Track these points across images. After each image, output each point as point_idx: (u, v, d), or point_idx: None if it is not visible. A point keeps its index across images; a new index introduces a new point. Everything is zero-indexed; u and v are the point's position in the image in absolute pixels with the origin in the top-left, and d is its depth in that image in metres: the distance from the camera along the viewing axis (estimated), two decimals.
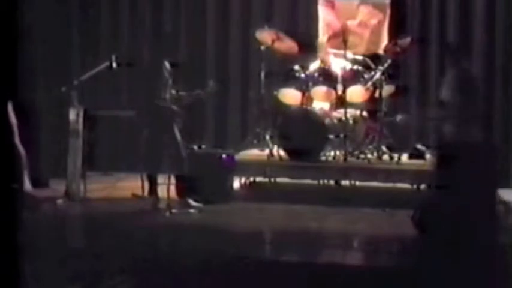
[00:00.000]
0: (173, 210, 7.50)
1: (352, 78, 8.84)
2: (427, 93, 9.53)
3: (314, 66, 8.99)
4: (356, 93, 8.81)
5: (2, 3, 3.53)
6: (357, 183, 8.56)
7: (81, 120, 8.02)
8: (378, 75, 8.77)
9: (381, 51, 9.37)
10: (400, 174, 8.40)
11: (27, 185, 7.45)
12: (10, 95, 3.69)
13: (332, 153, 8.66)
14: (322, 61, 9.05)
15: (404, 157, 8.83)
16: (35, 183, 7.89)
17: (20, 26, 3.69)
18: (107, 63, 8.31)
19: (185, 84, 8.26)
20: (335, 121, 8.75)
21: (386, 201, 7.85)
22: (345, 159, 8.57)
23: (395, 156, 8.69)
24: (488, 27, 9.46)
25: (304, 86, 8.88)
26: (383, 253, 6.43)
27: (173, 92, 7.90)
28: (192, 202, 7.82)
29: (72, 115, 8.06)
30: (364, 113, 8.89)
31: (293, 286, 5.31)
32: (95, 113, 8.26)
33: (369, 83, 8.79)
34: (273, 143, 8.67)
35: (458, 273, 5.25)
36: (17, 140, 6.73)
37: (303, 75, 8.89)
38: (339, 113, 8.77)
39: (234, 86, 9.95)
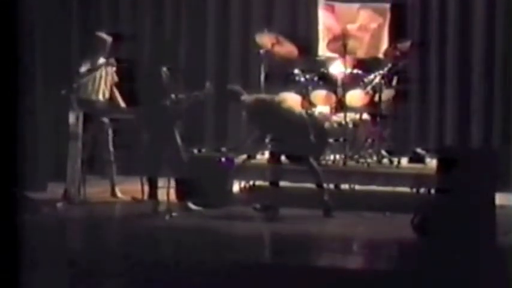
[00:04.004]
0: (173, 214, 7.49)
1: (351, 82, 8.84)
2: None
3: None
4: (356, 97, 8.81)
5: (2, 3, 3.52)
6: (357, 187, 8.55)
7: (80, 123, 8.01)
8: (377, 79, 8.77)
9: (380, 55, 9.38)
10: (400, 178, 8.39)
11: None
12: (10, 97, 3.68)
13: (332, 157, 8.64)
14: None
15: (404, 161, 8.83)
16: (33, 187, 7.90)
17: (20, 27, 3.69)
18: (103, 65, 8.30)
19: (186, 88, 8.24)
20: (335, 125, 8.74)
21: (386, 205, 7.84)
22: (345, 163, 8.57)
23: (395, 160, 8.69)
24: (488, 31, 9.47)
25: (304, 90, 8.88)
26: (383, 257, 6.43)
27: (172, 95, 7.88)
28: (191, 206, 7.81)
29: (71, 118, 8.05)
30: (364, 117, 8.89)
31: None
32: (95, 116, 8.24)
33: (369, 87, 8.81)
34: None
35: (457, 276, 5.25)
36: None
37: (302, 79, 8.89)
38: (339, 117, 8.77)
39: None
